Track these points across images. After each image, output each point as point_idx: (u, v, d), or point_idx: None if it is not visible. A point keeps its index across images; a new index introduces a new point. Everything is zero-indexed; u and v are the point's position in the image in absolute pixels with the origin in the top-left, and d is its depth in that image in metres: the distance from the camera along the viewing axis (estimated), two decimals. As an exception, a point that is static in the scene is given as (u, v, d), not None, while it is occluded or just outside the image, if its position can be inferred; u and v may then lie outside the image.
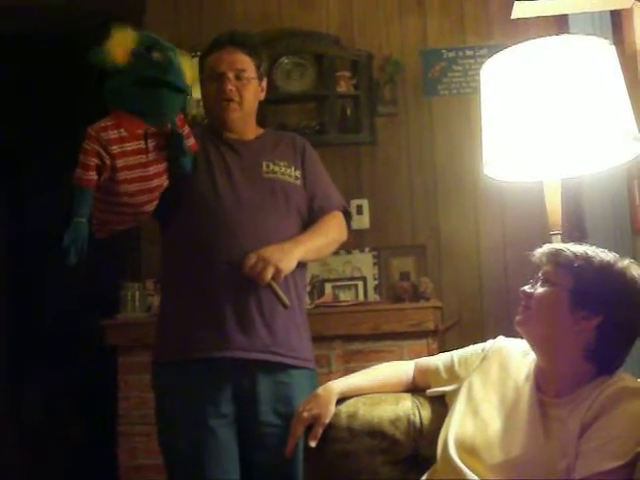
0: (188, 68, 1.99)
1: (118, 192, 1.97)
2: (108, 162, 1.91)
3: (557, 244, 1.66)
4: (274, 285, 2.04)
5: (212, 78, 2.17)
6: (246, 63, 2.19)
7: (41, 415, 5.08)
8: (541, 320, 1.58)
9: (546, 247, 1.64)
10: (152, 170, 2.01)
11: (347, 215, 2.33)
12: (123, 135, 1.94)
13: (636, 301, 1.55)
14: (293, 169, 2.23)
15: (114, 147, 1.92)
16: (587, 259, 1.56)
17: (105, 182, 1.93)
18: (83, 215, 1.89)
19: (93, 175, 1.89)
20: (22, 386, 5.03)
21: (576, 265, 1.55)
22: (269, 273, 2.01)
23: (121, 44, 1.88)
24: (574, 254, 1.57)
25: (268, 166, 2.20)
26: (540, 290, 1.59)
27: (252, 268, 2.01)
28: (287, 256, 2.05)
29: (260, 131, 2.31)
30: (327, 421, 1.78)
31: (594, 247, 1.61)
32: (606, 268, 1.55)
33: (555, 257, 1.60)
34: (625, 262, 1.57)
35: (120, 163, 1.93)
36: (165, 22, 3.87)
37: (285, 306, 2.05)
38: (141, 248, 3.51)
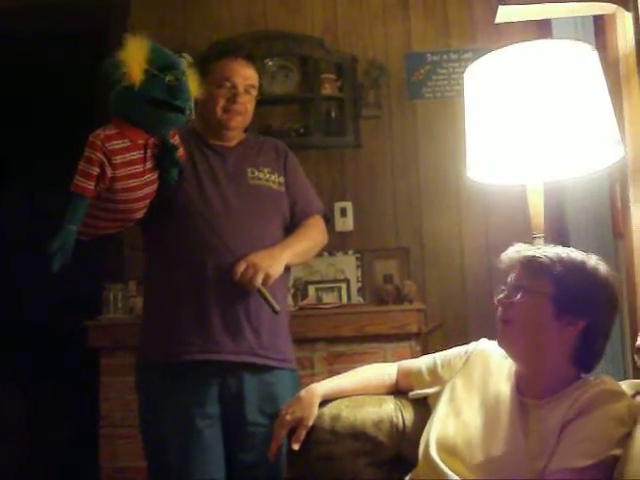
0: (192, 81, 2.00)
1: (114, 200, 1.98)
2: (109, 172, 1.91)
3: (525, 248, 1.63)
4: (264, 290, 2.07)
5: (221, 86, 2.19)
6: (255, 80, 2.27)
7: (21, 417, 5.05)
8: (525, 331, 1.58)
9: (516, 253, 1.62)
10: (146, 179, 2.02)
11: (326, 220, 2.39)
12: (127, 145, 1.95)
13: (611, 300, 1.58)
14: (276, 175, 2.27)
15: (117, 157, 1.93)
16: (563, 263, 1.55)
17: (102, 190, 1.93)
18: (75, 222, 1.89)
19: (93, 184, 1.89)
20: (2, 389, 5.00)
21: (555, 271, 1.54)
22: (259, 279, 2.04)
23: (138, 62, 1.88)
24: (550, 259, 1.56)
25: (253, 172, 2.23)
26: (520, 299, 1.58)
27: (243, 274, 2.04)
28: (276, 261, 2.10)
29: (242, 136, 2.33)
30: (310, 423, 1.78)
31: (560, 247, 1.62)
32: (582, 270, 1.56)
33: (531, 264, 1.58)
34: (593, 260, 1.58)
35: (120, 173, 1.94)
36: (150, 24, 3.85)
37: (275, 311, 2.09)
38: (124, 249, 3.49)
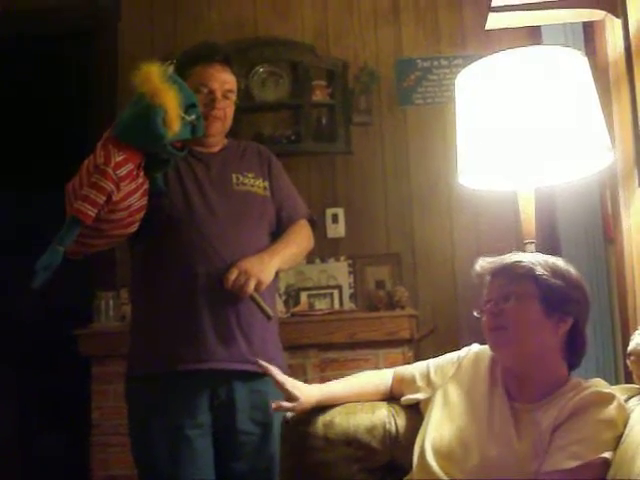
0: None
1: (111, 219, 1.96)
2: (115, 198, 1.90)
3: (496, 258, 1.67)
4: (257, 297, 2.07)
5: (198, 92, 2.15)
6: (233, 84, 2.24)
7: (12, 426, 5.01)
8: (522, 335, 1.59)
9: (490, 263, 1.67)
10: (140, 194, 2.01)
11: (313, 223, 2.38)
12: (130, 169, 1.94)
13: (585, 297, 1.63)
14: (261, 180, 2.26)
15: (125, 183, 1.92)
16: (542, 265, 1.61)
17: (100, 213, 1.92)
18: (65, 245, 1.87)
19: (95, 212, 1.88)
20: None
21: (538, 273, 1.59)
22: (252, 285, 2.04)
23: (175, 109, 1.91)
24: (530, 262, 1.61)
25: (238, 178, 2.22)
26: (511, 306, 1.60)
27: (235, 282, 2.03)
28: (267, 267, 2.09)
29: (225, 142, 2.31)
30: (301, 409, 1.80)
31: (527, 252, 1.71)
32: (558, 271, 1.61)
33: (512, 270, 1.62)
34: (563, 262, 1.64)
35: (121, 195, 1.92)
36: (140, 29, 3.86)
37: (269, 317, 2.09)
38: (115, 257, 3.48)
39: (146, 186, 2.04)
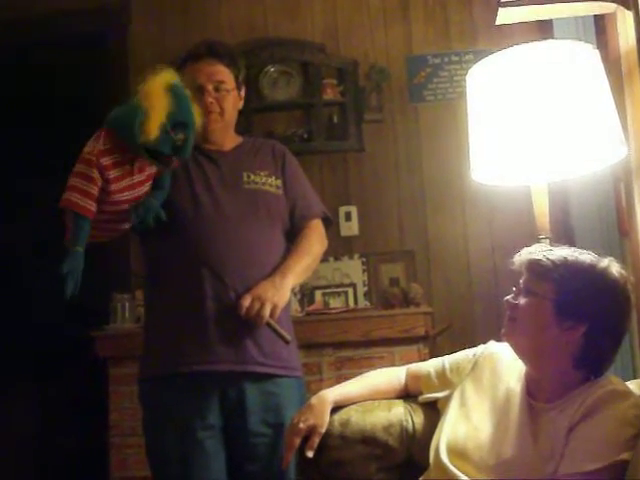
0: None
1: (106, 211, 1.95)
2: (104, 188, 1.89)
3: (535, 251, 1.61)
4: (273, 323, 2.04)
5: (191, 90, 2.12)
6: (225, 74, 2.20)
7: (30, 428, 5.04)
8: (527, 332, 1.57)
9: (524, 255, 1.61)
10: (137, 192, 2.00)
11: (327, 220, 2.34)
12: (117, 160, 1.92)
13: (620, 304, 1.54)
14: (274, 178, 2.23)
15: (110, 172, 1.90)
16: (567, 266, 1.54)
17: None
18: (81, 244, 1.86)
19: (95, 205, 1.86)
20: (13, 399, 5.00)
21: (556, 275, 1.53)
22: (267, 311, 2.02)
23: (158, 114, 1.86)
24: (553, 263, 1.55)
25: (249, 176, 2.19)
26: (523, 301, 1.58)
27: (249, 309, 2.01)
28: (280, 290, 2.06)
29: (239, 140, 2.30)
30: (323, 430, 1.77)
31: (574, 249, 1.59)
32: (587, 273, 1.53)
33: (534, 267, 1.58)
34: (605, 262, 1.55)
35: (113, 187, 1.92)
36: (150, 33, 3.87)
37: (287, 342, 2.07)
38: (130, 259, 3.50)
39: (147, 187, 2.03)
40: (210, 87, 2.17)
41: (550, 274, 1.54)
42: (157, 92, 1.88)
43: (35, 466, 4.60)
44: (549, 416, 1.53)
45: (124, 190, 1.95)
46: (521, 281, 1.61)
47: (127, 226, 2.07)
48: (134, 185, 1.98)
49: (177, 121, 1.91)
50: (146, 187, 2.03)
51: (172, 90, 1.92)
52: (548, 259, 1.56)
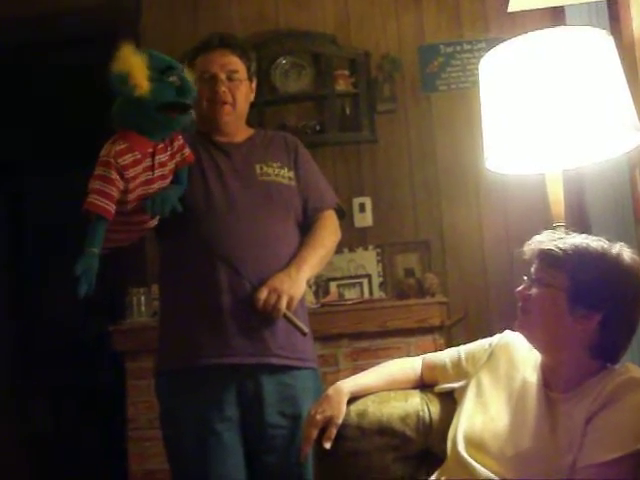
0: (191, 77, 1.97)
1: (126, 211, 1.94)
2: (122, 188, 1.88)
3: (545, 239, 1.59)
4: (290, 315, 2.05)
5: (203, 80, 2.15)
6: (237, 64, 2.20)
7: (50, 422, 5.09)
8: (541, 323, 1.56)
9: (535, 245, 1.60)
10: (156, 186, 1.99)
11: (341, 211, 2.34)
12: (137, 158, 1.91)
13: (634, 289, 1.53)
14: (286, 170, 2.23)
15: (129, 171, 1.89)
16: (579, 255, 1.52)
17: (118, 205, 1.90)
18: (97, 246, 1.84)
19: (114, 206, 1.85)
20: (30, 393, 5.04)
21: (569, 264, 1.52)
22: (284, 304, 2.02)
23: (141, 70, 1.84)
24: (565, 252, 1.53)
25: (262, 168, 2.19)
26: (536, 292, 1.56)
27: (266, 301, 2.01)
28: (296, 282, 2.06)
29: (250, 132, 2.30)
30: (340, 422, 1.77)
31: (584, 236, 1.57)
32: (600, 261, 1.51)
33: (545, 257, 1.56)
34: (617, 248, 1.53)
35: (132, 185, 1.91)
36: (161, 26, 3.87)
37: (304, 334, 2.07)
38: (146, 253, 3.51)
39: (167, 181, 2.03)
40: (223, 76, 2.17)
41: (562, 264, 1.53)
42: (127, 56, 1.86)
43: (55, 460, 4.64)
44: (566, 407, 1.52)
45: (144, 184, 1.95)
46: (532, 270, 1.60)
47: (155, 222, 2.06)
48: (154, 179, 1.98)
49: (160, 67, 1.90)
50: (166, 181, 2.03)
51: (140, 52, 1.90)
52: (560, 248, 1.54)
